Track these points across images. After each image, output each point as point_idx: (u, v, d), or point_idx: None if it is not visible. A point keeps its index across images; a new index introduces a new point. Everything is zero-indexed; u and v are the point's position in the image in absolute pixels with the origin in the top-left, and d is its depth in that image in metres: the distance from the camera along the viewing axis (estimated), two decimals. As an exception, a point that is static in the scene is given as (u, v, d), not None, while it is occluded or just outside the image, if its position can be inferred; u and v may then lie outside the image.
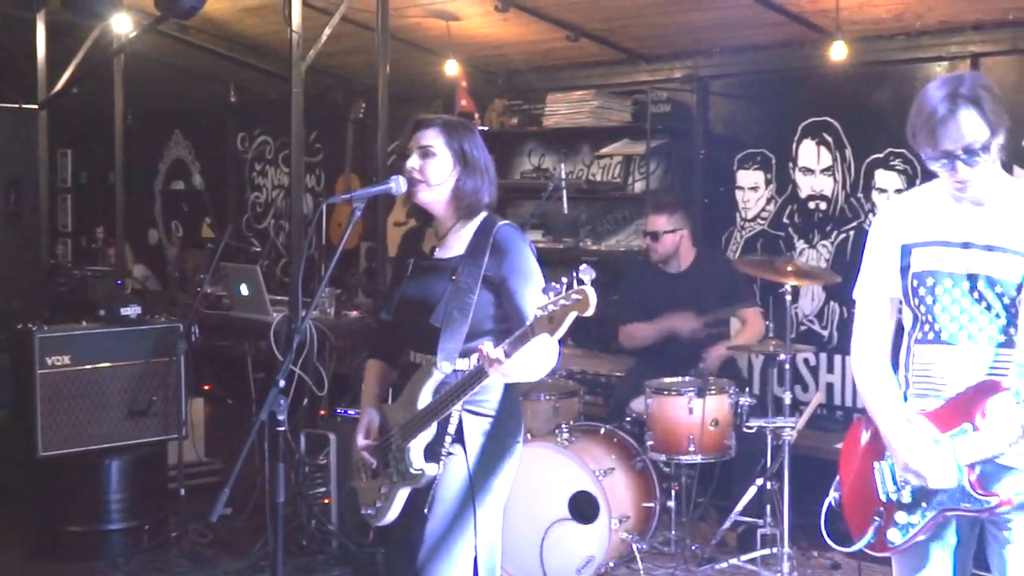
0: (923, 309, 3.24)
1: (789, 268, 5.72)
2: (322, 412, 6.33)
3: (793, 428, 5.61)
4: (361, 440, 3.77)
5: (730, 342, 6.36)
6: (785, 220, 7.18)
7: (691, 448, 5.60)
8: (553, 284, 3.12)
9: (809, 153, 7.05)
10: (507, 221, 3.70)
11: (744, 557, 5.74)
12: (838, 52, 6.32)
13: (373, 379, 3.90)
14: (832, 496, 3.44)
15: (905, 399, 3.29)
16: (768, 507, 5.76)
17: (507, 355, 3.26)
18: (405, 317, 3.73)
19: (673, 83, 7.68)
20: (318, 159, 10.22)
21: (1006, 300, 3.16)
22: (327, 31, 6.47)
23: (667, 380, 5.84)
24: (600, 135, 8.09)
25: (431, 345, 3.55)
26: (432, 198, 3.66)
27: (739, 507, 5.82)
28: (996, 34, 6.18)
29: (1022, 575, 3.18)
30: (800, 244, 7.08)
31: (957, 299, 3.18)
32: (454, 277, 3.58)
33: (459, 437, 3.58)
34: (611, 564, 5.50)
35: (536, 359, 3.38)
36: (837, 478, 3.45)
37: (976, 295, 3.16)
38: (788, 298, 5.67)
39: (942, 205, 3.24)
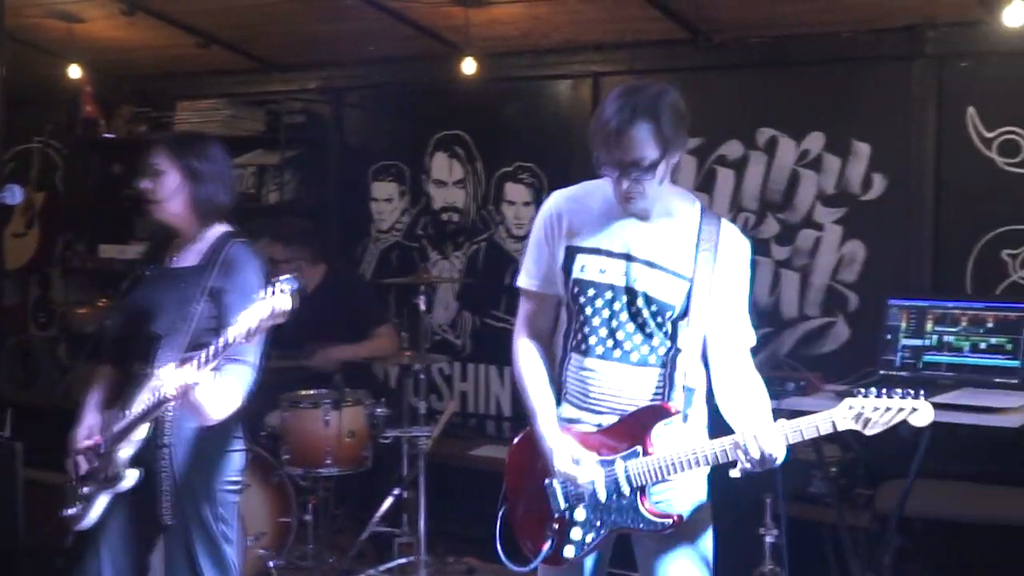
0: (581, 318, 3.15)
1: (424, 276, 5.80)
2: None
3: (428, 437, 5.70)
4: (80, 440, 3.69)
5: (348, 349, 6.28)
6: (419, 231, 7.26)
7: (328, 461, 5.57)
8: (259, 294, 3.20)
9: (442, 166, 7.17)
10: (244, 240, 3.78)
11: (382, 567, 5.77)
12: (468, 67, 6.44)
13: (99, 383, 3.83)
14: (501, 510, 3.33)
15: (559, 403, 3.22)
16: (405, 516, 5.83)
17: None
18: (131, 323, 3.73)
19: (308, 94, 7.63)
20: (-73, 165, 9.54)
21: (660, 320, 3.10)
22: (-66, 29, 6.04)
23: (302, 393, 5.78)
24: (233, 145, 7.80)
25: (152, 353, 3.56)
26: (166, 214, 3.77)
27: (376, 517, 5.85)
28: (615, 54, 6.48)
29: None
30: (434, 255, 7.18)
31: (616, 313, 3.11)
32: (182, 286, 3.63)
33: (169, 445, 3.58)
34: (247, 582, 5.40)
35: (220, 393, 3.43)
36: (504, 491, 3.34)
37: (633, 310, 3.09)
38: (422, 308, 5.73)
39: (611, 210, 3.15)
